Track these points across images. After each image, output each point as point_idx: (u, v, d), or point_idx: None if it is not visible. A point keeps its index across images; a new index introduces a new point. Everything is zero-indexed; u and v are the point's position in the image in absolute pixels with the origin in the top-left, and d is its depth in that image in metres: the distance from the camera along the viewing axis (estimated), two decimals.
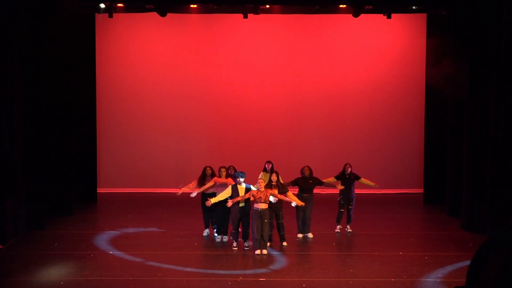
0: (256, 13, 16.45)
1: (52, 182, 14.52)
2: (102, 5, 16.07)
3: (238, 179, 12.05)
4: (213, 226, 12.97)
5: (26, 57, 13.22)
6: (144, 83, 18.01)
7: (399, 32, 18.03)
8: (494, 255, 3.30)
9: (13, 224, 12.59)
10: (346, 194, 13.37)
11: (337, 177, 13.49)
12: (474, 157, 13.49)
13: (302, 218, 12.97)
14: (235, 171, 13.04)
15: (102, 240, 13.00)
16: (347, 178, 13.36)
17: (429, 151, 16.97)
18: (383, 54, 18.02)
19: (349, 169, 13.37)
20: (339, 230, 13.45)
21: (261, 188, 11.82)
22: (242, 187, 12.03)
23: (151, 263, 11.22)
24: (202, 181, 12.99)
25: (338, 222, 13.49)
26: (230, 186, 12.15)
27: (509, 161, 12.34)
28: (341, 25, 17.96)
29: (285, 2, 16.97)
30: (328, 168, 15.96)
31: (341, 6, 16.46)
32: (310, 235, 13.04)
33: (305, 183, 13.02)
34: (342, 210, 13.40)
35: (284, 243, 12.38)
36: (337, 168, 13.79)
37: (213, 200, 12.10)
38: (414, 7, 16.51)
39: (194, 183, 13.10)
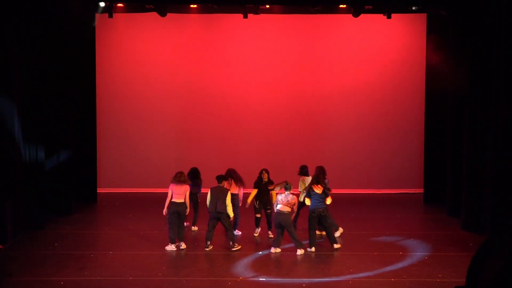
0: (256, 13, 16.46)
1: (52, 182, 14.52)
2: (102, 4, 16.07)
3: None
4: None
5: (26, 57, 13.22)
6: (144, 83, 18.00)
7: (399, 32, 18.03)
8: (494, 255, 3.30)
9: (13, 224, 12.59)
10: (262, 198, 13.20)
11: (255, 184, 13.28)
12: (474, 157, 13.49)
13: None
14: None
15: (103, 240, 13.00)
16: (263, 184, 13.21)
17: (429, 151, 16.96)
18: (383, 54, 18.02)
19: (266, 175, 13.24)
20: (257, 234, 13.27)
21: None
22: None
23: (151, 263, 11.22)
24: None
25: (257, 226, 13.32)
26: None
27: (509, 161, 12.33)
28: (341, 25, 17.96)
29: (285, 2, 16.97)
30: (328, 168, 15.92)
31: (341, 6, 16.48)
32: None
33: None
34: (258, 215, 13.21)
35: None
36: (338, 168, 13.75)
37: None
38: (414, 7, 16.52)
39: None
